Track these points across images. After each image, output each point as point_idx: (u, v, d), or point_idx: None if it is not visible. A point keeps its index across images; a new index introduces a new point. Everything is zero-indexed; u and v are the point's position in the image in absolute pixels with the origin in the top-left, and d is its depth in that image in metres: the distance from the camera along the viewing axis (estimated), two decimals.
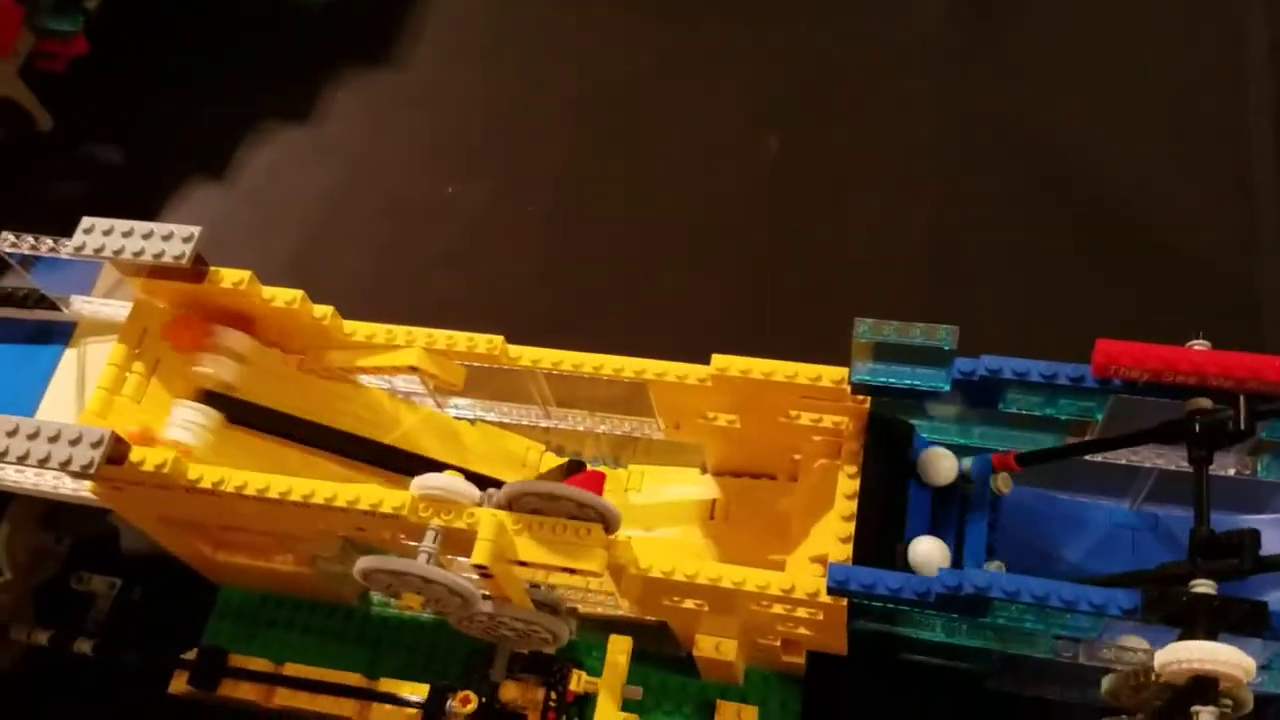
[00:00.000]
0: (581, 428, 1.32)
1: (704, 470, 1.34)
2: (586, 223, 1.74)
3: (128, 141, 1.88)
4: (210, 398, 1.21)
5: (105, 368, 1.18)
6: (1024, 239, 1.64)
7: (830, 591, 1.00)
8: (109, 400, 1.16)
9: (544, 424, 1.33)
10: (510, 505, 1.05)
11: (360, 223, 1.76)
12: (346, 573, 1.32)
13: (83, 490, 1.20)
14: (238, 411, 1.22)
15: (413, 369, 1.21)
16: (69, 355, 1.33)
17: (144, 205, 1.78)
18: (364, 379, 1.31)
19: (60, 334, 1.34)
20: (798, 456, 1.25)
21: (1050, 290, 1.59)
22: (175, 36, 1.97)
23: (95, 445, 1.04)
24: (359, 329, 1.23)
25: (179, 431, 1.17)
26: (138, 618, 1.41)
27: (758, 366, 1.12)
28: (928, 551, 1.05)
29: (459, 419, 1.36)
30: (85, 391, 1.29)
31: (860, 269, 1.64)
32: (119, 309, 1.32)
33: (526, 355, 1.20)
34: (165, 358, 1.20)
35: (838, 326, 1.55)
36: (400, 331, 1.22)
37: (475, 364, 1.22)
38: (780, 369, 1.11)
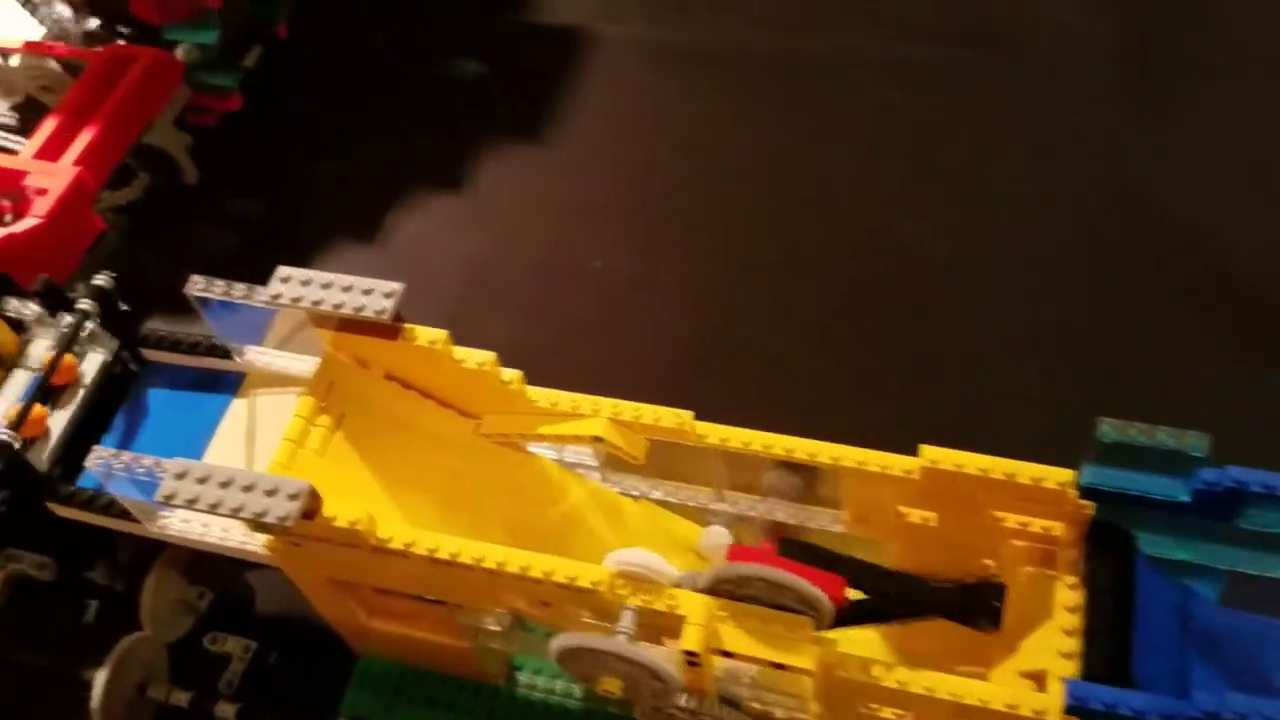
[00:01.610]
0: (754, 513, 1.27)
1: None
2: (733, 298, 1.71)
3: (274, 198, 1.89)
4: None
5: (292, 419, 1.15)
6: (1192, 339, 1.60)
7: (1069, 711, 0.93)
8: (294, 453, 1.13)
9: (714, 506, 1.28)
10: (714, 590, 1.00)
11: (506, 290, 1.74)
12: (502, 649, 1.28)
13: (252, 544, 1.16)
14: None
15: (597, 440, 1.18)
16: (236, 405, 1.30)
17: (289, 262, 1.77)
18: (534, 447, 1.28)
19: (228, 383, 1.32)
20: (988, 561, 1.19)
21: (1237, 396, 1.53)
22: (327, 98, 2.00)
23: (293, 498, 1.01)
24: (542, 395, 1.20)
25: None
26: (273, 683, 1.36)
27: (972, 462, 1.07)
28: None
29: (623, 495, 1.32)
30: (254, 443, 1.27)
31: (1004, 360, 1.59)
32: (291, 362, 1.30)
33: (714, 433, 1.16)
34: (353, 414, 1.18)
35: (985, 417, 1.52)
36: (585, 400, 1.19)
37: (659, 439, 1.18)
38: (998, 466, 1.06)
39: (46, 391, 1.24)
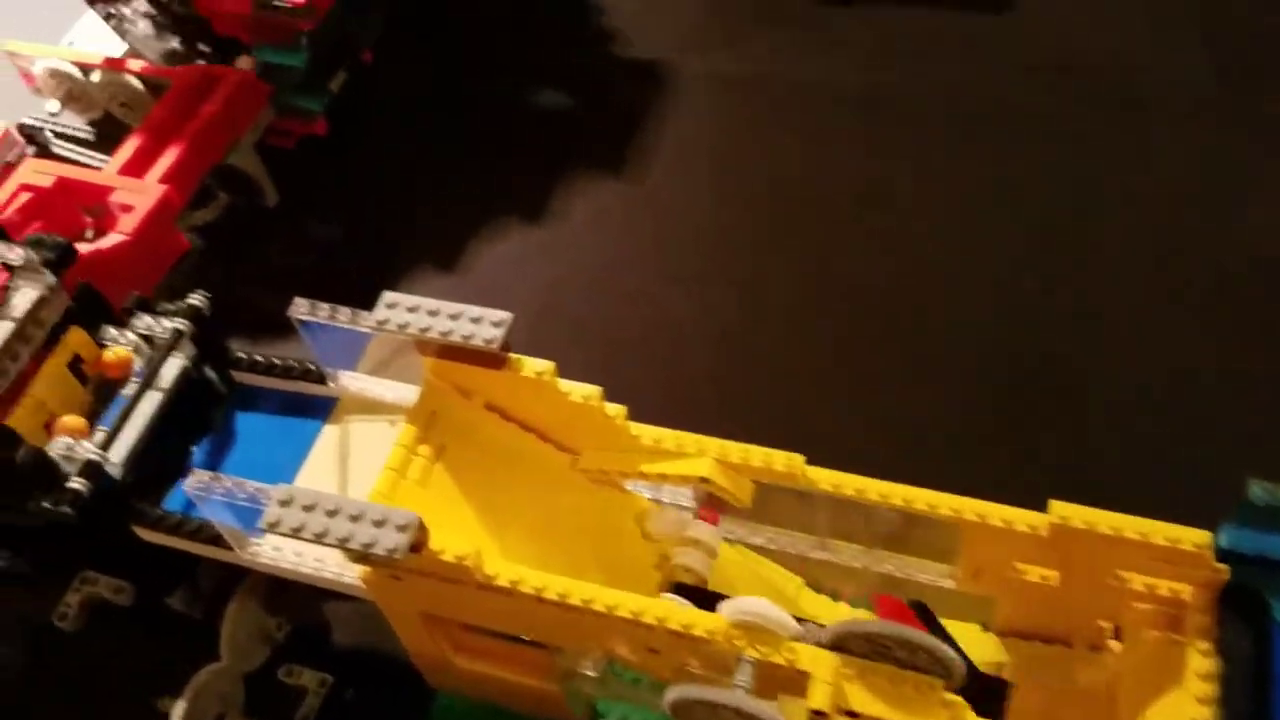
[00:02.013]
0: (858, 564, 1.23)
1: (985, 627, 1.24)
2: (828, 337, 1.68)
3: (353, 223, 1.88)
4: None
5: (394, 448, 1.12)
6: None
7: None
8: (396, 482, 1.10)
9: (815, 555, 1.24)
10: (839, 645, 0.96)
11: (586, 320, 1.72)
12: (592, 693, 1.24)
13: (346, 575, 1.13)
14: None
15: (703, 481, 1.14)
16: (328, 431, 1.28)
17: (367, 286, 1.74)
18: (632, 485, 1.24)
19: (319, 408, 1.30)
20: (1105, 623, 1.15)
21: None
22: (409, 124, 1.99)
23: (402, 529, 0.97)
24: (645, 432, 1.16)
25: None
26: (349, 719, 1.33)
27: (1104, 520, 1.02)
28: None
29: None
30: (347, 471, 1.24)
31: (1125, 413, 1.54)
32: (386, 389, 1.28)
33: (825, 479, 1.12)
34: (454, 445, 1.15)
35: (1100, 470, 1.47)
36: (690, 440, 1.15)
37: (767, 482, 1.15)
38: (1130, 525, 1.02)
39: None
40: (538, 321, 1.72)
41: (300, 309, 1.18)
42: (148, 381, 1.21)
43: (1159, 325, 1.63)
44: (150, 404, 1.23)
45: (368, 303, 1.78)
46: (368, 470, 1.23)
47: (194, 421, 1.30)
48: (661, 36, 2.08)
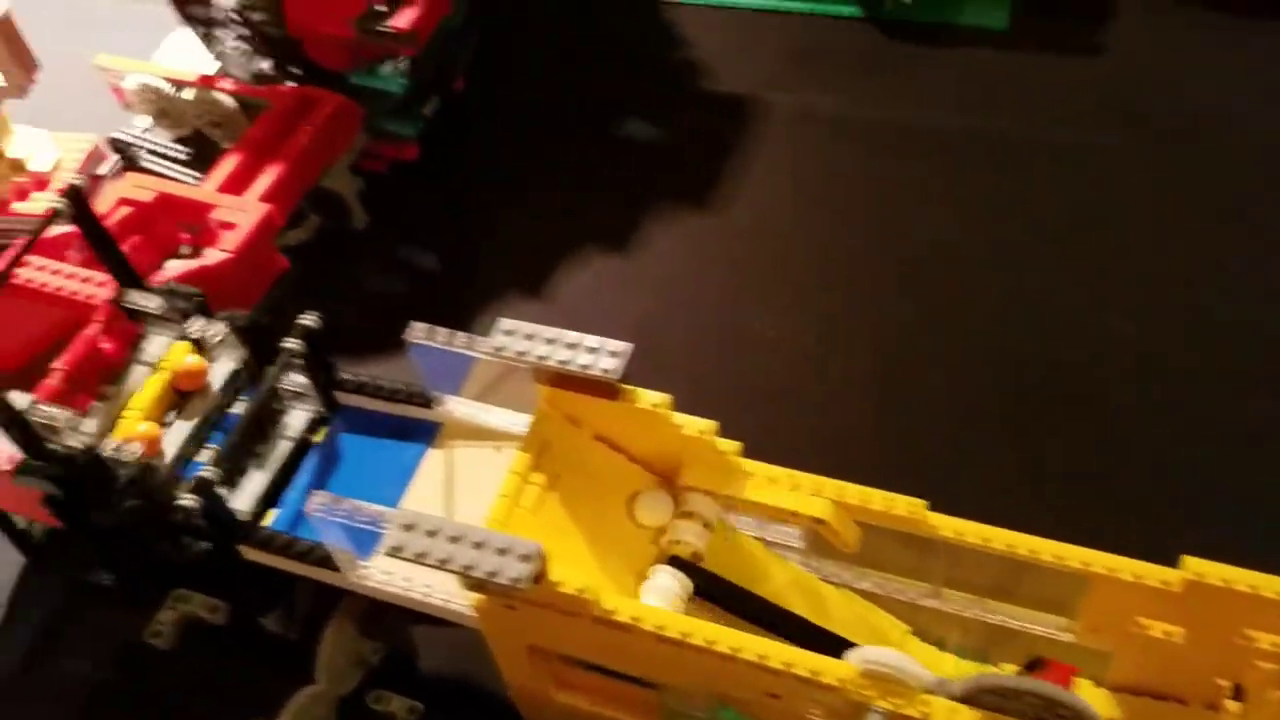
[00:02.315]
0: (968, 614, 1.20)
1: (1098, 683, 1.21)
2: (908, 377, 1.65)
3: (442, 247, 1.88)
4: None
5: (508, 475, 1.11)
6: None
7: None
8: (510, 510, 1.09)
9: (926, 603, 1.21)
10: (974, 700, 0.93)
11: (671, 353, 1.70)
12: None
13: (455, 603, 1.12)
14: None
15: (818, 521, 1.12)
16: (433, 455, 1.27)
17: (455, 311, 1.76)
18: (737, 521, 1.22)
19: (422, 432, 1.29)
20: (1223, 682, 1.11)
21: None
22: (498, 152, 1.99)
23: (525, 559, 0.96)
24: (760, 469, 1.15)
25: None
26: None
27: (1241, 578, 0.99)
28: None
29: (825, 581, 1.25)
30: (453, 496, 1.23)
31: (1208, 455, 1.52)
32: (492, 415, 1.27)
33: (948, 525, 1.10)
34: (565, 474, 1.14)
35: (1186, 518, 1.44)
36: (806, 479, 1.13)
37: (886, 527, 1.13)
38: (1266, 584, 0.99)
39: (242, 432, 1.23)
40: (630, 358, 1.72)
41: (416, 333, 1.17)
42: (264, 401, 1.21)
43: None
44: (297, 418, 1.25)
45: (457, 326, 1.79)
46: (473, 496, 1.22)
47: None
48: (748, 73, 2.08)
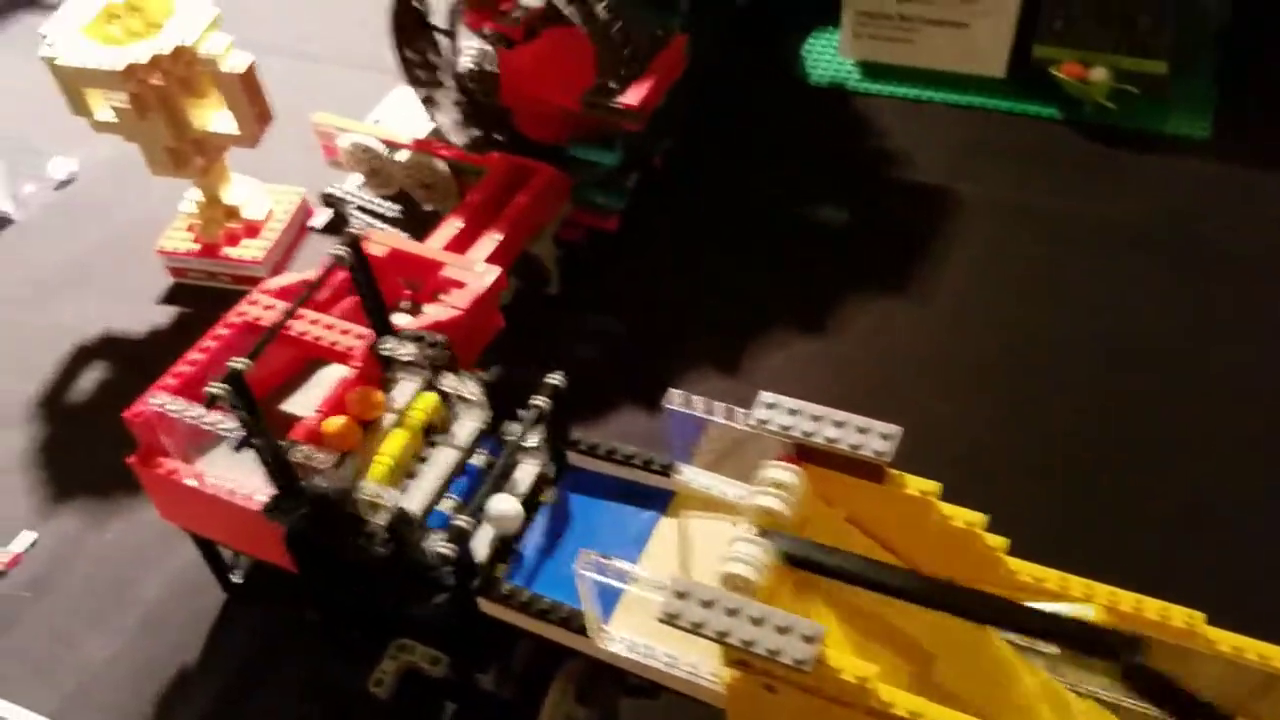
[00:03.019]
0: None
1: None
2: (1108, 473, 1.60)
3: (634, 318, 1.89)
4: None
5: None
6: None
7: None
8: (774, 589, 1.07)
9: None
10: None
11: None
12: None
13: (701, 678, 1.09)
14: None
15: None
16: (665, 524, 1.26)
17: (646, 381, 1.76)
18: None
19: (655, 499, 1.28)
20: None
21: None
22: (691, 228, 2.01)
23: (809, 640, 0.94)
24: (1023, 569, 1.11)
25: (739, 565, 1.05)
26: None
27: None
28: None
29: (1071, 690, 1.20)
30: (689, 567, 1.21)
31: None
32: (726, 486, 1.26)
33: (1227, 640, 1.05)
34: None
35: None
36: (1076, 583, 1.09)
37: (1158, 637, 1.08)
38: None
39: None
40: None
41: (674, 400, 1.17)
42: (511, 458, 1.22)
43: None
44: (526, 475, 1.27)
45: (644, 397, 1.78)
46: (710, 569, 1.21)
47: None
48: (941, 164, 2.08)
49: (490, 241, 1.70)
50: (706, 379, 1.80)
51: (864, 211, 2.05)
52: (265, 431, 1.12)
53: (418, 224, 1.97)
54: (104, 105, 1.73)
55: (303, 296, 1.19)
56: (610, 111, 1.72)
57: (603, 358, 1.87)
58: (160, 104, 1.68)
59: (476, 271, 1.58)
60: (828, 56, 2.31)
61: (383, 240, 1.65)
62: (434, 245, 1.71)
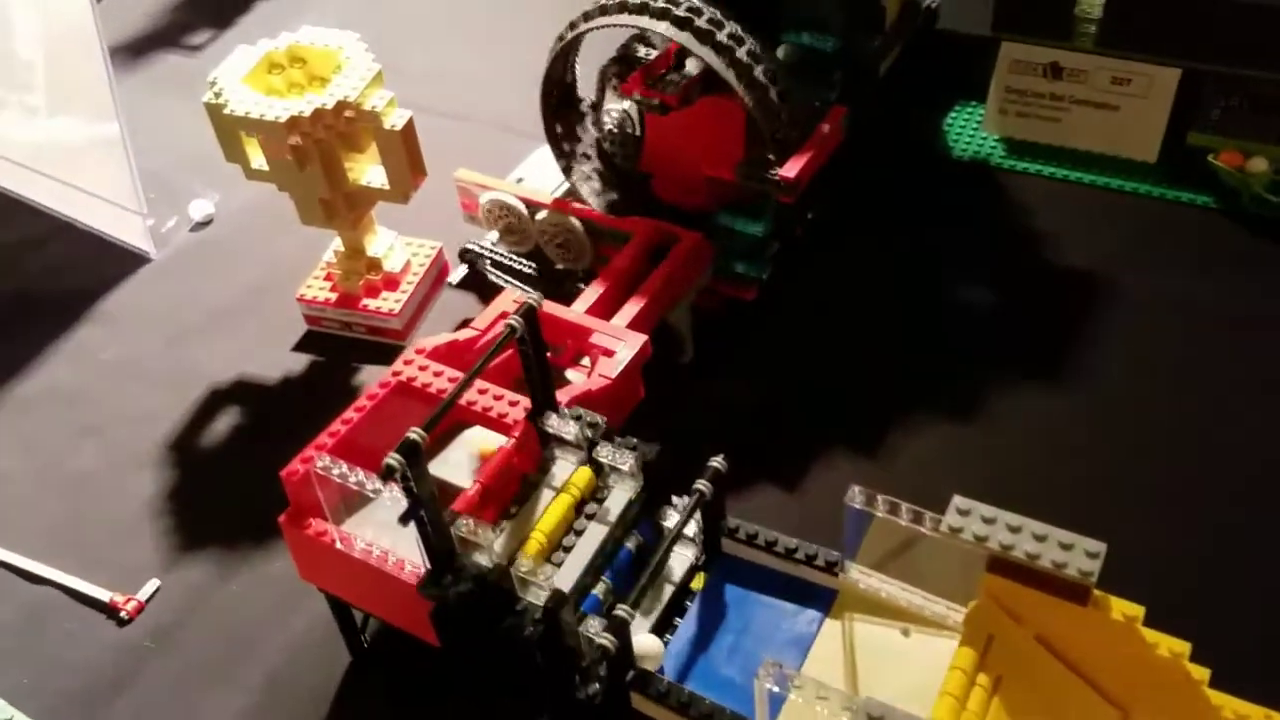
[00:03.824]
0: None
1: None
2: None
3: (765, 391, 1.84)
4: None
5: (950, 672, 1.03)
6: None
7: None
8: (957, 712, 1.01)
9: None
10: None
11: None
12: None
13: None
14: None
15: None
16: (830, 626, 1.21)
17: (774, 459, 1.72)
18: None
19: (816, 597, 1.23)
20: None
21: None
22: (831, 302, 1.97)
23: None
24: (1227, 703, 1.03)
25: None
26: None
27: None
28: None
29: None
30: (856, 677, 1.16)
31: None
32: (894, 589, 1.20)
33: None
34: (1008, 679, 1.05)
35: None
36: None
37: None
38: None
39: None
40: None
41: (856, 498, 1.12)
42: (671, 544, 1.18)
43: None
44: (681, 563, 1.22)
45: (771, 474, 1.71)
46: (883, 682, 1.15)
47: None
48: (1092, 248, 2.01)
49: (633, 308, 1.68)
50: (846, 460, 1.74)
51: (1012, 293, 1.98)
52: (436, 507, 1.09)
53: (553, 283, 1.97)
54: (259, 154, 1.75)
55: (476, 368, 1.16)
56: (766, 184, 1.69)
57: (734, 431, 1.82)
58: (319, 156, 1.69)
59: (624, 339, 1.55)
60: (970, 131, 2.26)
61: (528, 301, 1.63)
62: (580, 306, 1.70)
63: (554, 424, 1.26)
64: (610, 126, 2.02)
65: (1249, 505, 1.62)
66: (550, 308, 1.63)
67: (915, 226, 2.12)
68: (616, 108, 2.03)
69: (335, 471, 1.17)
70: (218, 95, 1.67)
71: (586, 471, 1.26)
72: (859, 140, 1.97)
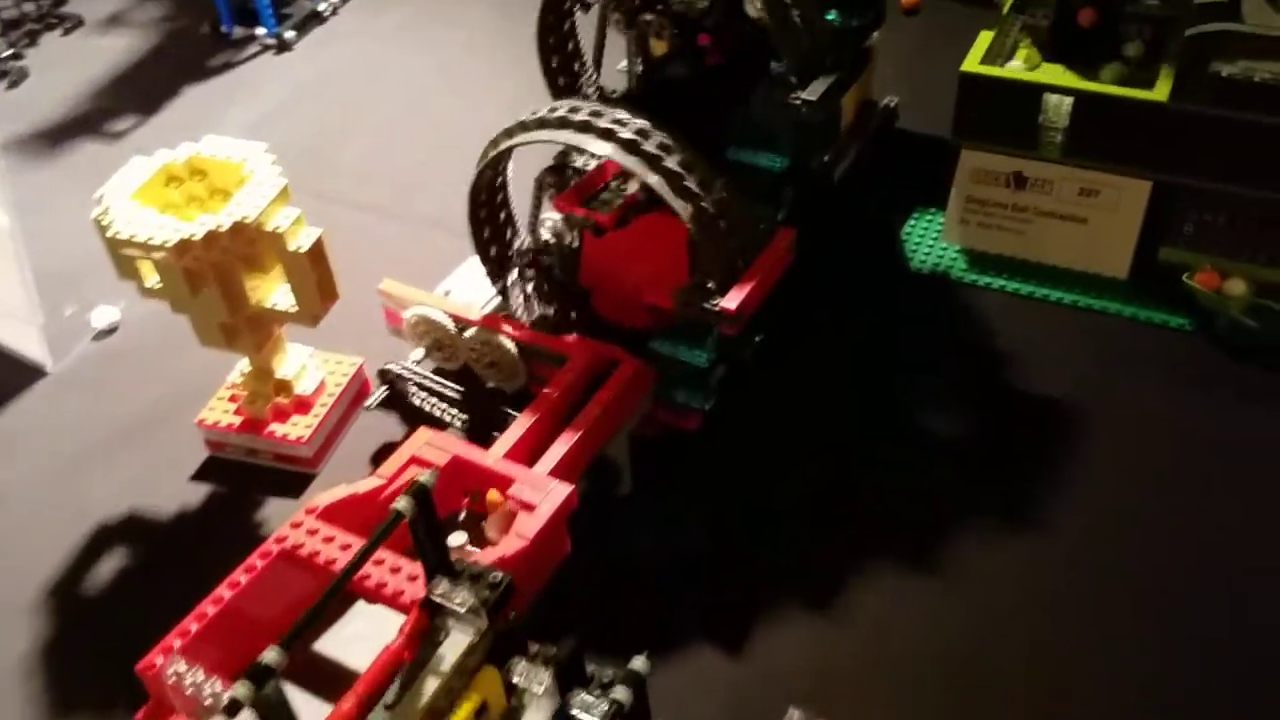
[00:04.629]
0: None
1: None
2: None
3: (710, 527, 1.68)
4: None
5: None
6: None
7: None
8: None
9: None
10: None
11: (1000, 690, 1.45)
12: None
13: None
14: None
15: None
16: None
17: (724, 607, 1.56)
18: None
19: None
20: None
21: None
22: (780, 431, 1.81)
23: None
24: None
25: None
26: None
27: None
28: None
29: None
30: None
31: None
32: None
33: None
34: None
35: None
36: None
37: None
38: None
39: None
40: (940, 689, 1.47)
41: None
42: None
43: None
44: None
45: (725, 623, 1.56)
46: None
47: None
48: (1055, 369, 1.87)
49: (562, 446, 1.52)
50: (789, 615, 1.57)
51: (977, 421, 1.84)
52: None
53: (481, 406, 1.81)
54: (153, 273, 1.59)
55: (358, 557, 1.00)
56: (707, 314, 1.55)
57: (670, 572, 1.66)
58: (216, 279, 1.54)
59: (547, 490, 1.39)
60: (930, 240, 2.14)
61: (443, 445, 1.47)
62: (501, 448, 1.54)
63: (443, 591, 1.09)
64: (546, 237, 1.89)
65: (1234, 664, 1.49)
66: (467, 453, 1.47)
67: (872, 345, 1.97)
68: (553, 217, 1.90)
69: (188, 681, 1.00)
70: (104, 214, 1.51)
71: (493, 675, 1.10)
72: (811, 256, 1.85)
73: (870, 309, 2.05)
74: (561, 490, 1.39)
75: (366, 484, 1.41)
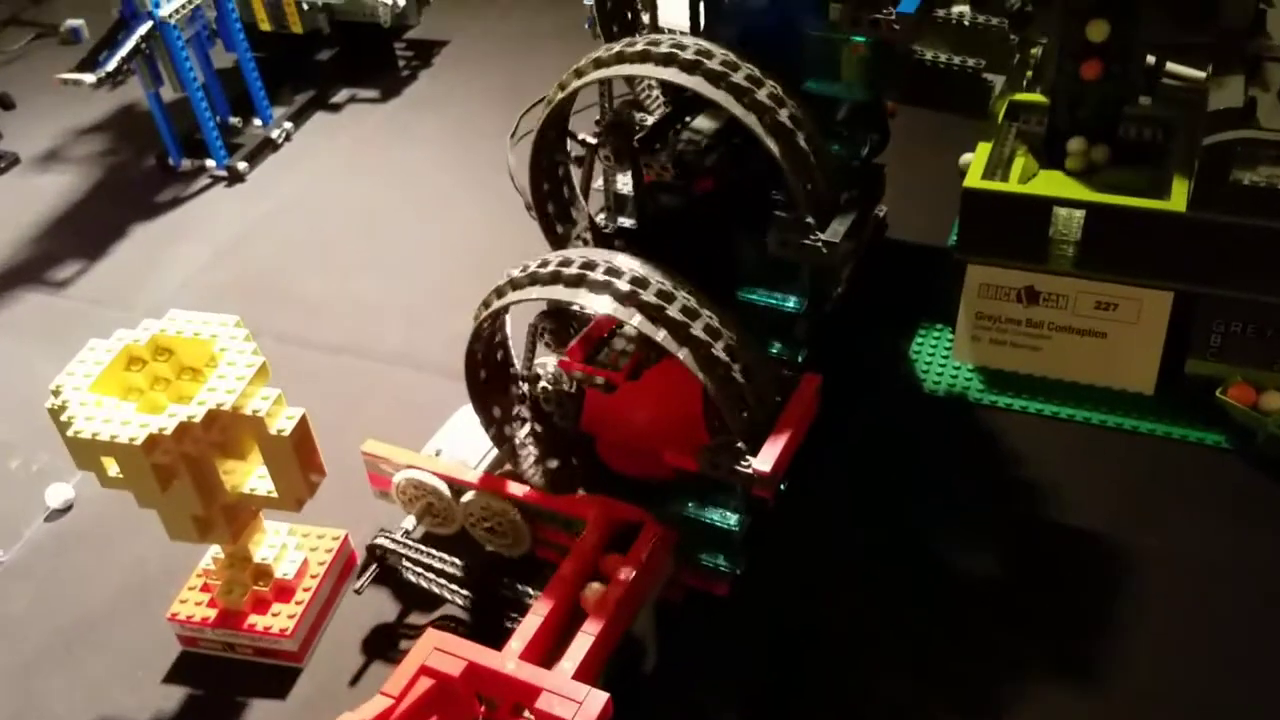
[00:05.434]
0: None
1: None
2: None
3: (744, 699, 1.53)
4: None
5: None
6: None
7: None
8: None
9: None
10: None
11: None
12: None
13: None
14: None
15: None
16: None
17: None
18: None
19: None
20: None
21: None
22: (815, 588, 1.67)
23: None
24: None
25: None
26: None
27: None
28: None
29: None
30: None
31: None
32: None
33: None
34: None
35: None
36: None
37: None
38: None
39: None
40: None
41: None
42: None
43: None
44: None
45: None
46: None
47: None
48: (1088, 497, 1.76)
49: (587, 639, 1.36)
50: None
51: (1013, 559, 1.71)
52: None
53: (484, 581, 1.64)
54: (115, 463, 1.42)
55: None
56: (737, 477, 1.42)
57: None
58: (188, 470, 1.38)
59: (579, 703, 1.23)
60: (940, 360, 2.03)
61: (454, 650, 1.31)
62: (518, 643, 1.38)
63: None
64: (545, 383, 1.75)
65: None
66: (481, 657, 1.30)
67: (894, 479, 1.83)
68: (550, 362, 1.77)
69: None
70: (61, 408, 1.35)
71: None
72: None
73: (888, 435, 1.92)
74: (596, 702, 1.23)
75: (373, 708, 1.24)
